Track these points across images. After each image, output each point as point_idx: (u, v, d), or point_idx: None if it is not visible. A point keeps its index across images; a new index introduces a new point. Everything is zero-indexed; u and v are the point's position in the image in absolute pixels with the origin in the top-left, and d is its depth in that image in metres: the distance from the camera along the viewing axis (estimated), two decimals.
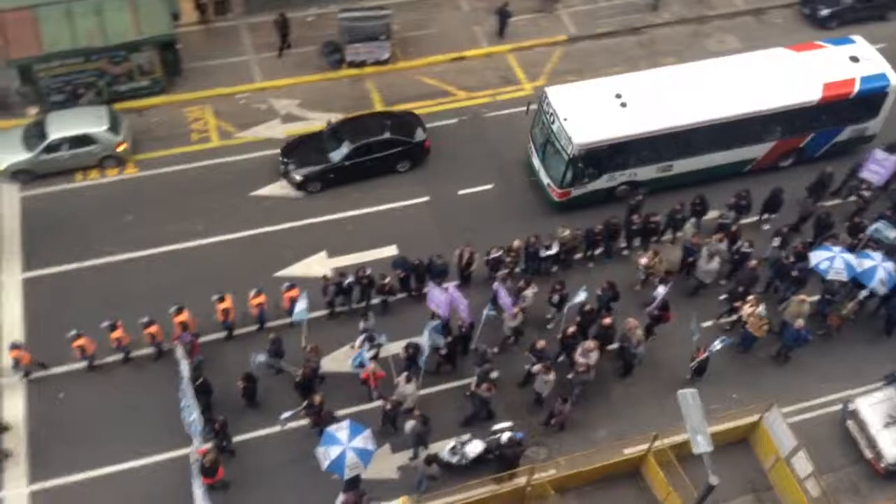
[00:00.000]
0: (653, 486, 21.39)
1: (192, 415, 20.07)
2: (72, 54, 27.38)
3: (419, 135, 27.72)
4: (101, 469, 20.92)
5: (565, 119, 25.24)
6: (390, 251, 25.31)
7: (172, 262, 24.97)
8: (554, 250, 24.62)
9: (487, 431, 21.42)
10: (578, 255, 25.73)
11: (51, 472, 20.85)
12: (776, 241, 24.97)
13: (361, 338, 22.04)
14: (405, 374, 21.28)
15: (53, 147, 26.40)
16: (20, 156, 26.37)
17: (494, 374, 21.52)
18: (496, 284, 22.98)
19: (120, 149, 27.11)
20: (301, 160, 27.07)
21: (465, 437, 21.18)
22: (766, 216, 26.81)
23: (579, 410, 22.51)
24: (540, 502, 20.67)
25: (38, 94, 28.24)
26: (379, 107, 29.86)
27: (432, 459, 20.08)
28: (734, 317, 24.01)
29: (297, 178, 26.79)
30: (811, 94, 26.75)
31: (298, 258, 25.20)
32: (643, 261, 24.39)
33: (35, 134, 26.66)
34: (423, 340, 21.50)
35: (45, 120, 26.98)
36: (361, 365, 21.66)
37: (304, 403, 20.85)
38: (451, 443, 21.05)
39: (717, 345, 22.03)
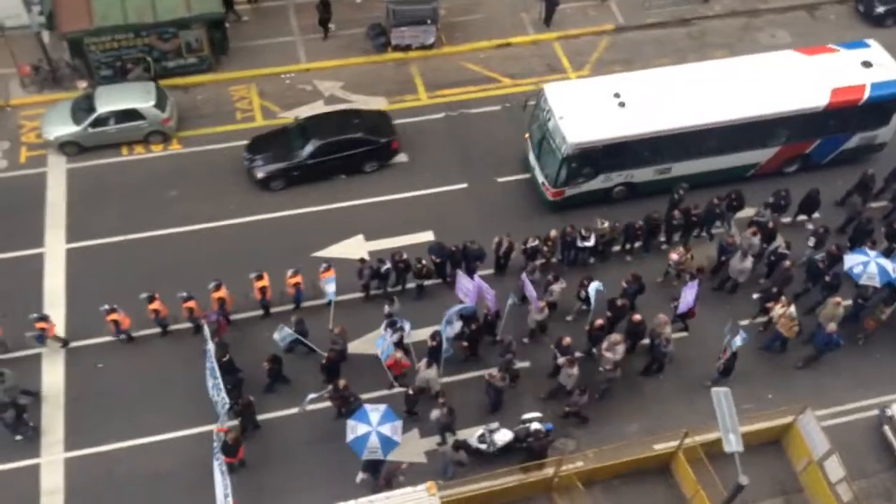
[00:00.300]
0: (681, 484, 21.24)
1: (220, 393, 20.32)
2: (122, 29, 27.77)
3: (387, 135, 27.08)
4: (134, 440, 21.30)
5: (561, 117, 24.71)
6: (427, 237, 25.34)
7: (213, 239, 25.27)
8: (591, 242, 24.45)
9: (517, 420, 21.43)
10: (616, 248, 25.54)
11: (86, 441, 21.28)
12: (811, 242, 24.55)
13: (385, 322, 22.11)
14: (426, 359, 21.34)
15: (101, 121, 26.83)
16: (68, 128, 26.85)
17: (516, 366, 21.55)
18: (523, 276, 22.85)
19: (166, 125, 27.48)
20: (265, 157, 26.54)
21: (494, 425, 21.20)
22: (801, 217, 26.27)
23: (610, 404, 22.46)
24: (566, 494, 20.64)
25: (87, 67, 28.69)
26: (422, 92, 29.86)
27: (460, 445, 20.14)
28: (766, 318, 23.63)
29: (259, 174, 26.31)
30: (818, 99, 25.93)
31: (336, 240, 25.33)
32: (674, 256, 24.07)
33: (84, 107, 27.10)
34: (441, 328, 21.57)
35: (93, 94, 27.40)
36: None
37: (329, 388, 21.02)
38: (480, 430, 21.10)
39: (738, 341, 21.65)
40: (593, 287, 22.54)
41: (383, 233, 25.54)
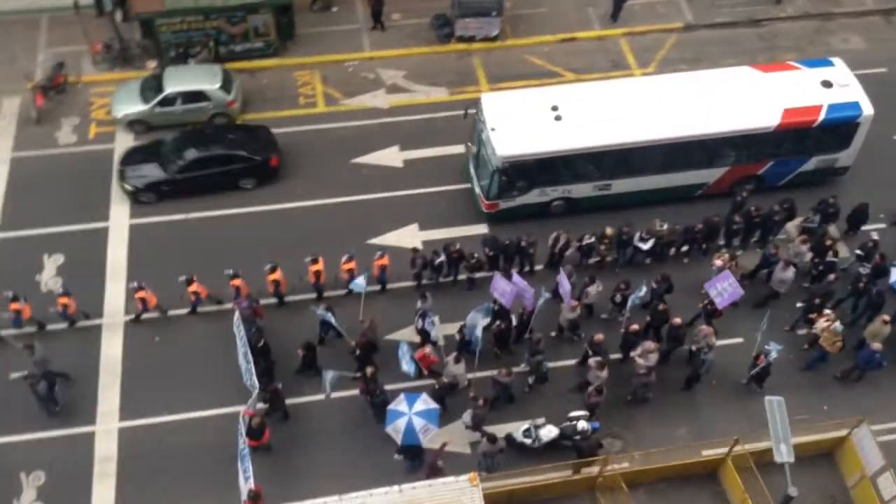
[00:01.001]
0: (728, 491, 20.94)
1: (252, 378, 20.56)
2: (192, 11, 28.31)
3: (266, 152, 26.27)
4: (184, 413, 21.73)
5: (493, 129, 23.96)
6: (481, 229, 25.35)
7: (271, 222, 25.63)
8: (649, 245, 24.18)
9: (563, 417, 21.35)
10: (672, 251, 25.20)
11: (139, 412, 21.80)
12: (859, 253, 23.81)
13: (418, 317, 22.16)
14: (454, 353, 21.27)
15: (168, 101, 27.37)
16: (137, 107, 27.45)
17: (545, 367, 21.58)
18: (561, 273, 22.57)
19: (230, 107, 27.92)
20: (137, 169, 25.84)
21: (540, 420, 21.16)
22: (849, 232, 25.42)
23: (659, 406, 22.25)
24: (609, 494, 20.50)
25: (157, 48, 29.28)
26: (484, 84, 29.82)
27: (495, 438, 20.07)
28: (811, 330, 22.94)
29: (128, 187, 25.62)
30: (768, 119, 24.58)
31: (391, 228, 25.49)
32: (718, 262, 23.46)
33: (152, 87, 27.68)
34: (469, 323, 21.56)
35: (162, 74, 27.96)
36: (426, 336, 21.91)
37: (356, 373, 21.19)
38: (525, 424, 21.06)
39: (773, 354, 21.27)
40: (632, 297, 22.26)
41: (437, 223, 25.64)
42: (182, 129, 27.21)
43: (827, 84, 25.29)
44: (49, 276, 24.13)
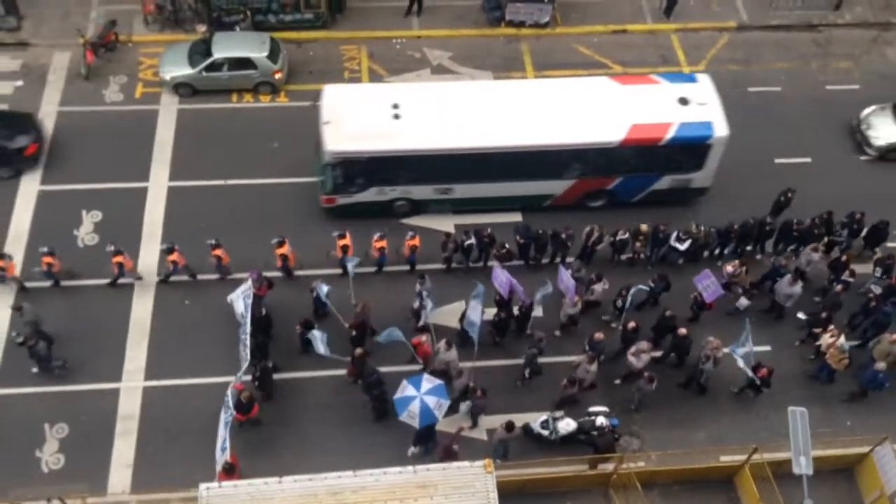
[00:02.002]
0: (743, 499, 20.82)
1: (245, 350, 20.55)
2: None
3: (22, 140, 25.08)
4: (208, 378, 21.87)
5: (327, 122, 23.41)
6: (515, 217, 25.25)
7: (307, 194, 25.65)
8: (685, 246, 23.94)
9: (583, 412, 21.31)
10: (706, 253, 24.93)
11: (164, 373, 22.08)
12: (878, 272, 23.36)
13: (417, 300, 22.07)
14: (444, 340, 21.11)
15: (216, 66, 27.54)
16: (184, 70, 27.65)
17: (539, 361, 21.49)
18: (560, 268, 22.40)
19: (276, 76, 28.03)
20: None
21: (559, 413, 21.13)
22: (867, 252, 24.84)
23: (680, 409, 22.17)
24: (623, 492, 20.46)
25: (208, 12, 29.40)
26: (530, 71, 29.61)
27: (513, 425, 20.07)
28: (815, 344, 22.67)
29: None
30: (613, 134, 23.73)
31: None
32: (728, 269, 23.16)
33: (200, 51, 27.83)
34: (469, 311, 21.39)
35: (211, 39, 28.11)
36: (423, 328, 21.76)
37: (348, 357, 21.19)
38: (544, 416, 21.06)
39: (740, 363, 21.17)
40: (633, 289, 22.10)
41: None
42: None
43: (683, 101, 24.32)
44: (86, 231, 24.49)
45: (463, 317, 21.95)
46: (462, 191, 24.65)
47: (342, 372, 21.88)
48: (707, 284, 22.02)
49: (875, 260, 23.84)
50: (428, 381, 19.65)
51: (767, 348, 23.01)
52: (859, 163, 27.81)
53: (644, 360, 21.44)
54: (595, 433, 20.63)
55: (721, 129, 24.05)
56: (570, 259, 24.39)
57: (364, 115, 23.70)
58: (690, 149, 24.32)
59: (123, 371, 22.09)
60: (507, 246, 23.58)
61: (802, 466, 18.23)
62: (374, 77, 29.09)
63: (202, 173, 26.01)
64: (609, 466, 20.48)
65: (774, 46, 31.04)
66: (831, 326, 22.01)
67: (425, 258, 23.50)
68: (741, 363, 21.18)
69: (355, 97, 24.56)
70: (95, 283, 23.39)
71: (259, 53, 27.70)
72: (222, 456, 19.03)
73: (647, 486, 20.36)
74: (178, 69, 27.71)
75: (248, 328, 20.85)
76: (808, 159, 27.56)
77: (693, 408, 22.26)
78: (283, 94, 28.45)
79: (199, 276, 23.65)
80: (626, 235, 23.95)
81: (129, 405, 21.52)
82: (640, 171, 24.81)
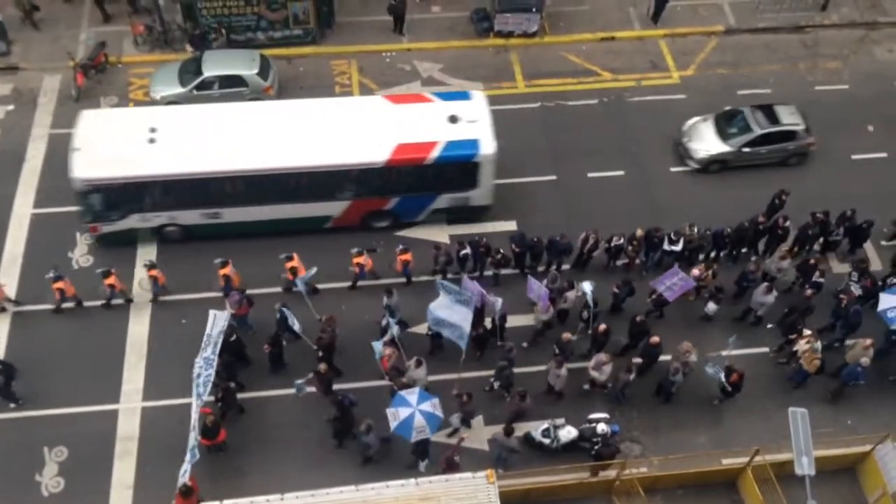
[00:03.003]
0: (746, 501, 20.79)
1: (207, 371, 20.26)
2: None
3: None
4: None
5: (77, 149, 22.75)
6: (509, 226, 25.29)
7: None
8: (678, 247, 23.97)
9: (583, 419, 21.28)
10: (701, 256, 24.96)
11: (162, 392, 22.00)
12: (854, 276, 23.35)
13: (385, 315, 21.90)
14: (415, 358, 20.94)
15: (206, 84, 27.58)
16: (175, 89, 27.68)
17: (510, 372, 21.42)
18: (529, 277, 22.39)
19: (267, 93, 28.04)
20: None
21: (560, 420, 21.11)
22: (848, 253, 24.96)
23: (681, 412, 22.15)
24: (626, 498, 20.41)
25: (192, 31, 29.38)
26: (520, 80, 29.72)
27: (511, 431, 20.02)
28: (790, 350, 22.63)
29: None
30: (377, 154, 23.28)
31: (419, 221, 25.49)
32: (695, 272, 23.10)
33: (191, 70, 27.89)
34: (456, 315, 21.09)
35: (201, 58, 28.15)
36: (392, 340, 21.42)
37: (311, 374, 21.01)
38: (545, 424, 21.02)
39: (710, 371, 21.27)
40: (587, 286, 22.05)
41: (466, 218, 25.51)
42: None
43: (453, 119, 23.96)
44: (81, 253, 24.46)
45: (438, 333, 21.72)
46: (232, 215, 23.94)
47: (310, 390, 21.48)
48: (674, 282, 22.08)
49: (852, 263, 23.88)
50: (432, 406, 19.52)
51: (756, 350, 23.15)
52: (670, 175, 27.33)
53: (606, 372, 21.33)
54: (598, 443, 20.56)
55: (488, 147, 23.58)
56: (566, 267, 24.45)
57: (118, 140, 23.04)
58: (459, 167, 23.85)
59: (122, 392, 22.04)
60: (501, 252, 23.57)
61: (805, 467, 18.22)
62: (365, 90, 29.16)
63: None
64: (611, 473, 20.43)
65: (762, 49, 31.19)
66: (807, 332, 21.96)
67: (420, 269, 23.56)
68: (710, 371, 21.20)
69: (113, 122, 24.08)
70: (91, 305, 23.34)
71: (249, 70, 27.76)
72: (182, 478, 18.93)
73: (650, 491, 20.35)
74: (169, 88, 27.74)
75: (217, 349, 20.69)
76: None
77: (694, 412, 22.26)
78: None
79: (200, 295, 23.53)
80: (622, 241, 23.97)
81: (129, 426, 21.45)
82: (415, 190, 24.36)
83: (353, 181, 23.84)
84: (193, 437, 19.55)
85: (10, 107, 27.56)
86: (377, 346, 20.88)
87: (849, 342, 22.72)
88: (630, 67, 30.37)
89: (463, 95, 25.32)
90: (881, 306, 21.96)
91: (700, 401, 22.38)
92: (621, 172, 27.18)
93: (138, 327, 23.16)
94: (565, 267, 24.46)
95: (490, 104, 26.77)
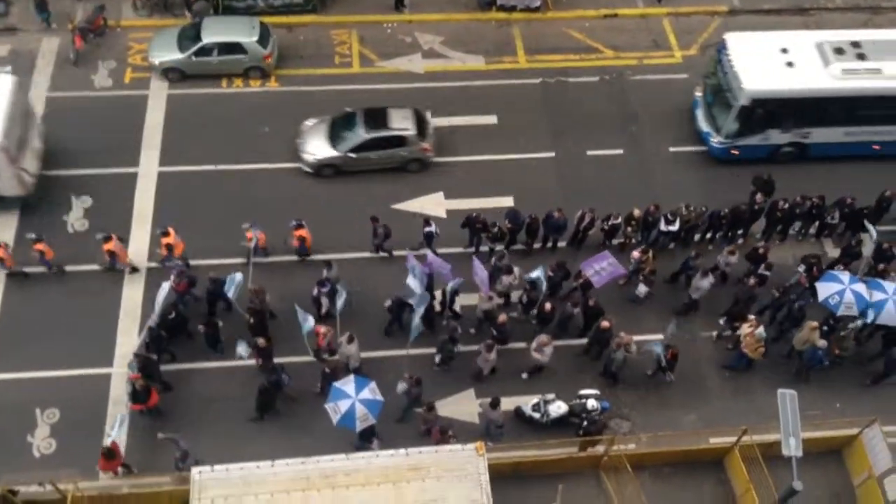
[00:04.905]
0: (732, 479, 20.96)
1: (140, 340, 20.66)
2: None
3: None
4: (198, 363, 21.95)
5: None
6: (507, 202, 25.19)
7: (296, 180, 25.66)
8: (675, 227, 23.97)
9: (573, 394, 21.38)
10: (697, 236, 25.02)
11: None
12: (801, 268, 23.27)
13: (317, 288, 21.82)
14: (347, 334, 20.75)
15: (205, 50, 27.41)
16: (173, 55, 27.52)
17: (454, 350, 21.37)
18: (474, 259, 22.18)
19: (266, 61, 27.90)
20: None
21: (550, 395, 21.20)
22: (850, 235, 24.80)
23: (670, 392, 22.24)
24: (613, 474, 20.56)
25: None
26: (521, 55, 29.53)
27: (496, 403, 20.08)
28: (734, 334, 22.63)
29: None
30: None
31: (416, 194, 25.50)
32: (636, 255, 23.10)
33: (190, 36, 27.71)
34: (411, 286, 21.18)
35: (201, 24, 27.96)
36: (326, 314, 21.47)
37: (253, 344, 21.01)
38: (535, 399, 21.13)
39: (657, 349, 21.28)
40: (537, 272, 21.93)
41: (464, 193, 25.55)
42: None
43: None
44: (76, 217, 24.43)
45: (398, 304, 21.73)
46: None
47: (243, 364, 21.50)
48: (603, 266, 22.01)
49: (802, 257, 23.76)
50: (371, 392, 19.20)
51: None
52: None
53: (548, 354, 21.30)
54: (587, 419, 20.68)
55: None
56: (561, 244, 24.45)
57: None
58: None
59: (115, 356, 22.05)
60: (498, 225, 23.52)
61: (792, 448, 18.32)
62: (365, 62, 28.99)
63: (192, 159, 25.94)
64: (600, 449, 20.57)
65: (766, 30, 30.92)
66: (751, 317, 21.99)
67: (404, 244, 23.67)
68: (653, 348, 21.29)
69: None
70: (87, 269, 23.31)
71: (249, 38, 27.56)
72: (108, 440, 19.26)
73: (638, 467, 20.44)
74: (168, 54, 27.56)
75: (154, 321, 20.97)
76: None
77: (683, 391, 22.34)
78: (274, 79, 28.32)
79: (200, 261, 23.46)
80: (619, 220, 23.95)
81: (121, 390, 21.42)
82: None
83: None
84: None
85: (8, 68, 27.31)
86: (306, 325, 20.64)
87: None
88: (632, 45, 30.19)
89: None
90: (821, 296, 21.80)
91: (690, 380, 22.47)
92: (620, 151, 27.11)
93: (133, 291, 23.16)
94: (561, 244, 24.43)
95: (491, 78, 26.79)
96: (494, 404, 20.05)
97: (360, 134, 25.35)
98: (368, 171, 25.66)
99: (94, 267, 23.25)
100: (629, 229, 24.09)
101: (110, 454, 18.94)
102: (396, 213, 24.46)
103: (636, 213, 24.00)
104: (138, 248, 23.91)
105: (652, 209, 23.97)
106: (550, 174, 26.40)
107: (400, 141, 25.49)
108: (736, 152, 26.30)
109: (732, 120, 25.55)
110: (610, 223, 24.00)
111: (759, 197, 24.35)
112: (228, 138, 26.45)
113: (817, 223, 24.94)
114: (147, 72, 27.97)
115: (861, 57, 25.34)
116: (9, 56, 28.13)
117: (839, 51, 25.44)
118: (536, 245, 24.43)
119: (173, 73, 27.72)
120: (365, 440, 20.08)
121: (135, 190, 25.15)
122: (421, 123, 25.85)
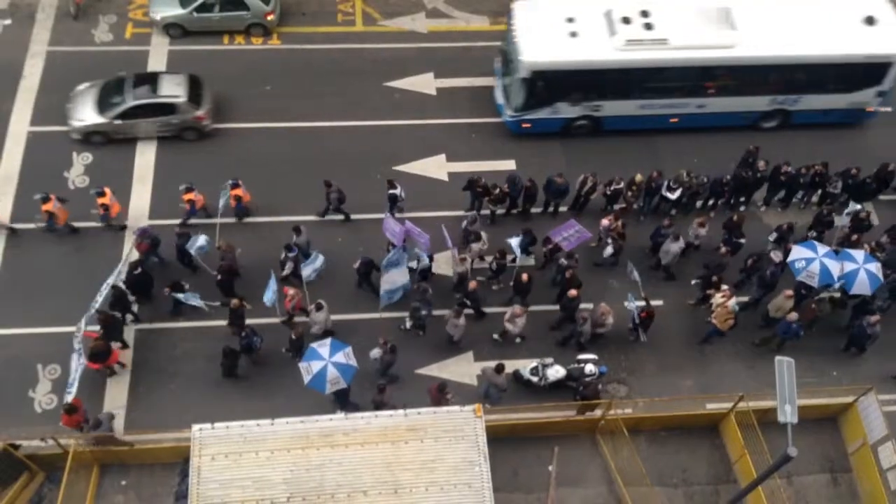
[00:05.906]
0: (728, 445, 21.16)
1: (96, 298, 20.63)
2: None
3: None
4: (200, 321, 21.89)
5: None
6: (509, 165, 25.14)
7: (297, 139, 25.56)
8: (677, 195, 23.90)
9: (572, 359, 21.49)
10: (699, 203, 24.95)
11: (156, 316, 22.14)
12: (772, 237, 23.29)
13: (284, 253, 21.72)
14: (316, 302, 20.73)
15: (207, 6, 27.18)
16: (175, 10, 27.27)
17: (423, 312, 21.35)
18: (442, 227, 22.08)
19: (268, 18, 27.66)
20: None
21: (549, 360, 21.32)
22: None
23: (668, 357, 22.38)
24: (610, 437, 20.75)
25: None
26: None
27: (501, 368, 20.21)
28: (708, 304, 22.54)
29: None
30: None
31: (418, 156, 25.39)
32: (605, 222, 22.98)
33: None
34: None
35: None
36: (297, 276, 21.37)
37: (218, 303, 21.05)
38: (534, 362, 21.24)
39: (632, 305, 21.32)
40: (515, 241, 21.99)
41: (466, 156, 25.46)
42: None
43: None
44: (77, 174, 24.35)
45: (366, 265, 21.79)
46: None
47: (213, 323, 21.59)
48: (570, 234, 21.95)
49: (776, 227, 23.63)
50: (345, 356, 19.20)
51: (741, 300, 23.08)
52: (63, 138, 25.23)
53: (520, 325, 21.31)
54: (584, 379, 20.82)
55: None
56: (563, 209, 24.41)
57: None
58: None
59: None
60: (500, 187, 23.44)
61: (787, 415, 18.36)
62: (368, 20, 28.70)
63: None
64: (597, 413, 20.73)
65: None
66: (724, 287, 21.96)
67: (424, 206, 23.59)
68: (632, 306, 21.31)
69: None
70: (88, 226, 23.29)
71: None
72: (67, 397, 19.45)
73: (634, 431, 20.65)
74: (169, 9, 27.30)
75: (118, 277, 21.01)
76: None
77: (681, 356, 22.48)
78: (276, 37, 28.09)
79: (200, 221, 23.33)
80: (621, 185, 23.88)
81: (123, 352, 21.46)
82: None
83: None
84: (80, 361, 19.97)
85: (7, 21, 27.09)
86: (269, 293, 20.60)
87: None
88: None
89: None
90: (791, 256, 21.82)
91: (687, 346, 22.61)
92: None
93: (134, 251, 23.02)
94: (563, 209, 24.38)
95: (495, 39, 26.41)
96: (499, 369, 20.17)
97: (127, 100, 24.43)
98: None
99: (97, 224, 23.21)
100: (630, 194, 24.02)
101: (72, 409, 19.09)
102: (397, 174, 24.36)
103: (638, 178, 23.91)
104: (139, 205, 23.87)
105: (654, 175, 23.87)
106: (553, 139, 26.16)
107: (170, 108, 24.57)
108: (527, 125, 25.42)
109: (517, 93, 24.66)
110: (612, 188, 23.91)
111: (761, 164, 24.21)
112: (230, 96, 26.27)
113: (819, 191, 24.88)
114: (148, 27, 27.73)
115: (648, 27, 24.08)
116: (8, 9, 27.89)
117: (626, 20, 24.14)
118: (537, 210, 24.36)
119: (174, 29, 27.47)
120: (341, 405, 20.15)
121: (135, 147, 25.02)
122: (196, 90, 25.06)
